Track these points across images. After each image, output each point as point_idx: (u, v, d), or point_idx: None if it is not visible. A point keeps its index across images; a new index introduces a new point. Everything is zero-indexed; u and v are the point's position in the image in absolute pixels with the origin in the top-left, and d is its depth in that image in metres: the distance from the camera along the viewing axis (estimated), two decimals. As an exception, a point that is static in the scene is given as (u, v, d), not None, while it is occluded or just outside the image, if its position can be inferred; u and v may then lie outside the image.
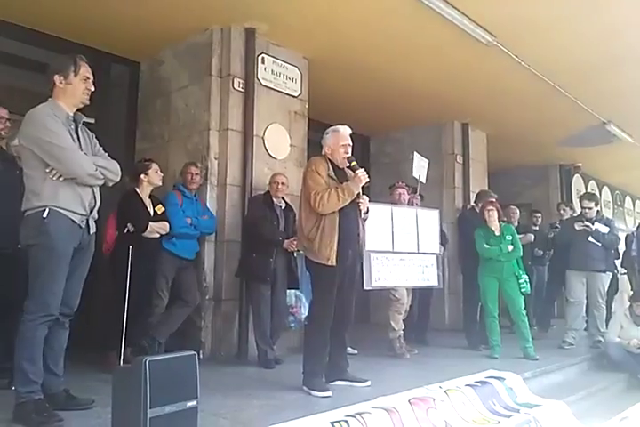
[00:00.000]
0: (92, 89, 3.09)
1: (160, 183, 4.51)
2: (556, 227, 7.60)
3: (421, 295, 6.15)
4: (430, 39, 5.53)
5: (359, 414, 2.97)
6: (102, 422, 2.75)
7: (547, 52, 5.79)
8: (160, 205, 4.49)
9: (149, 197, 4.47)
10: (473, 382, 3.88)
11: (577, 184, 11.18)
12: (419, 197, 5.83)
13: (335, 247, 3.66)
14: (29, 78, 5.43)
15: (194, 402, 2.46)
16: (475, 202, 6.80)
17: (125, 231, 4.28)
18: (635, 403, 4.11)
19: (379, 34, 5.43)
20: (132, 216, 4.30)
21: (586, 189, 11.32)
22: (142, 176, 4.40)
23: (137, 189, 4.40)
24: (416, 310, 6.16)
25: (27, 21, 5.05)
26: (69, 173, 2.90)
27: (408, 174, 5.83)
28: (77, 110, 3.10)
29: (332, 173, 3.82)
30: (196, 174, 4.86)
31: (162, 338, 4.43)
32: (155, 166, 4.48)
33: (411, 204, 5.69)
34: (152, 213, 4.40)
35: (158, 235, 4.37)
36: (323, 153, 3.95)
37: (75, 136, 2.99)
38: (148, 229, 4.27)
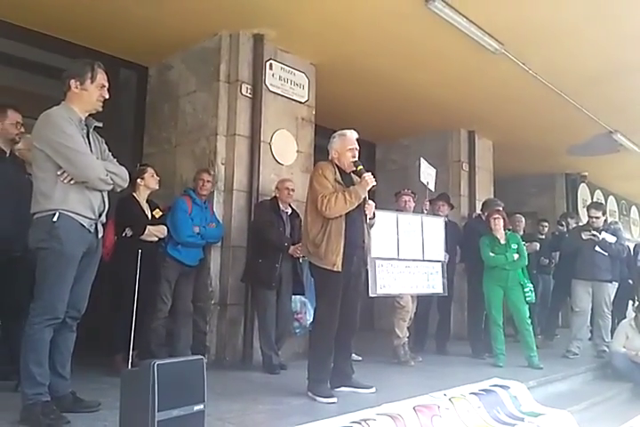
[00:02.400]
0: (107, 97, 3.11)
1: (157, 187, 4.54)
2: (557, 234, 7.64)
3: (440, 304, 6.16)
4: (438, 46, 5.56)
5: (364, 420, 2.96)
6: (109, 424, 2.76)
7: (554, 60, 5.81)
8: (157, 210, 4.51)
9: (147, 201, 4.50)
10: (477, 391, 3.87)
11: (583, 193, 11.17)
12: (428, 203, 5.82)
13: (341, 253, 3.66)
14: (37, 82, 5.49)
15: (201, 406, 2.47)
16: (481, 210, 6.80)
17: (124, 236, 4.30)
18: (639, 413, 4.10)
19: (386, 41, 5.45)
20: (129, 220, 4.33)
21: (592, 198, 11.31)
22: (139, 180, 4.43)
23: (134, 194, 4.42)
24: (437, 319, 6.24)
25: (37, 25, 5.09)
26: (81, 177, 2.91)
27: (415, 181, 5.84)
28: (88, 115, 3.12)
29: (339, 178, 3.83)
30: (208, 181, 4.89)
31: (187, 353, 4.51)
32: (150, 170, 4.50)
33: (420, 210, 5.68)
34: (149, 217, 4.42)
35: (156, 238, 4.39)
36: (329, 158, 3.96)
37: (86, 140, 3.01)
38: (146, 232, 4.29)
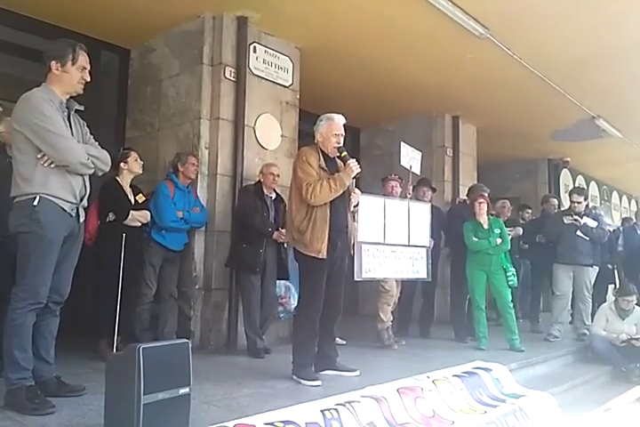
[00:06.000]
0: (88, 79, 3.05)
1: (140, 171, 4.49)
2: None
3: (424, 289, 6.21)
4: (423, 30, 5.53)
5: (349, 402, 2.99)
6: (94, 408, 2.76)
7: (539, 45, 5.81)
8: (141, 194, 4.47)
9: (130, 186, 4.45)
10: (460, 373, 3.93)
11: (565, 179, 11.27)
12: (411, 188, 5.82)
13: (326, 240, 3.67)
14: (17, 64, 5.38)
15: (186, 389, 2.47)
16: (467, 195, 6.82)
17: (107, 220, 4.26)
18: (618, 395, 4.20)
19: (371, 24, 5.41)
20: (112, 205, 4.29)
21: (574, 183, 11.41)
22: (122, 164, 4.37)
23: (117, 178, 4.37)
24: (421, 304, 6.29)
25: (15, 6, 4.96)
26: (62, 161, 2.87)
27: (399, 166, 5.83)
28: (69, 97, 3.07)
29: (324, 164, 3.82)
30: (197, 165, 4.89)
31: (171, 338, 4.47)
32: (134, 154, 4.45)
33: (404, 195, 5.69)
34: (133, 201, 4.38)
35: (140, 223, 4.36)
36: (315, 141, 3.93)
37: (67, 123, 2.96)
38: (130, 217, 4.25)
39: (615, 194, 13.94)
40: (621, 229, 8.66)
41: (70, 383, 3.08)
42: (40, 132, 2.83)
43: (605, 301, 6.85)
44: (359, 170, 3.74)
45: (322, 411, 2.83)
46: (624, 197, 14.52)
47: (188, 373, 2.49)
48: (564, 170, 11.24)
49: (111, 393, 2.37)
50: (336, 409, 2.89)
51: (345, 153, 3.81)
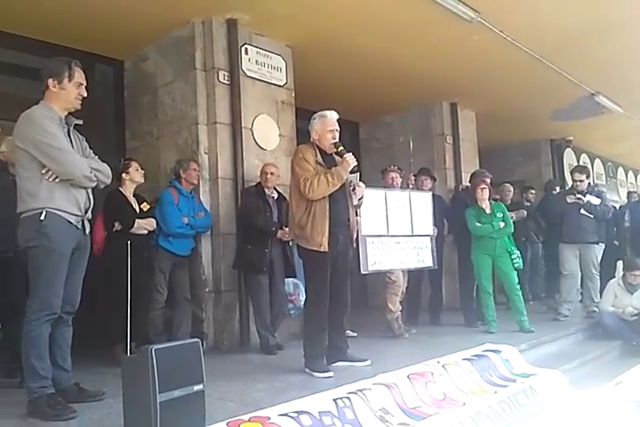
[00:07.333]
0: (85, 95, 3.14)
1: (142, 180, 4.57)
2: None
3: (431, 277, 6.26)
4: (413, 19, 5.52)
5: (360, 390, 3.08)
6: (114, 411, 2.85)
7: (531, 25, 5.77)
8: (145, 203, 4.57)
9: (134, 195, 4.54)
10: (470, 356, 4.01)
11: (568, 158, 11.21)
12: (413, 177, 5.88)
13: (327, 233, 3.74)
14: (11, 83, 5.46)
15: (200, 386, 2.56)
16: (469, 182, 6.85)
17: (114, 230, 4.36)
18: (629, 368, 4.24)
19: (361, 18, 5.42)
20: (118, 214, 4.38)
21: (577, 162, 11.32)
22: (124, 175, 4.47)
23: (120, 189, 4.46)
24: (430, 292, 6.34)
25: (6, 26, 5.02)
26: (66, 175, 2.97)
27: (399, 158, 5.88)
28: (67, 113, 3.15)
29: (320, 160, 3.88)
30: (198, 170, 4.98)
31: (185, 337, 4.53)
32: (135, 164, 4.54)
33: (407, 185, 5.76)
34: (138, 210, 4.47)
35: (146, 231, 4.45)
36: (311, 139, 4.00)
37: (67, 139, 3.05)
38: (135, 225, 4.34)
39: (621, 170, 13.83)
40: (627, 204, 8.66)
41: (90, 389, 3.18)
42: (44, 149, 2.92)
43: (614, 277, 6.87)
44: (356, 163, 3.80)
45: (334, 400, 2.91)
46: (630, 173, 14.40)
47: (200, 370, 2.58)
48: (568, 149, 11.16)
49: (128, 394, 2.47)
50: (348, 397, 2.97)
51: (341, 147, 3.87)
